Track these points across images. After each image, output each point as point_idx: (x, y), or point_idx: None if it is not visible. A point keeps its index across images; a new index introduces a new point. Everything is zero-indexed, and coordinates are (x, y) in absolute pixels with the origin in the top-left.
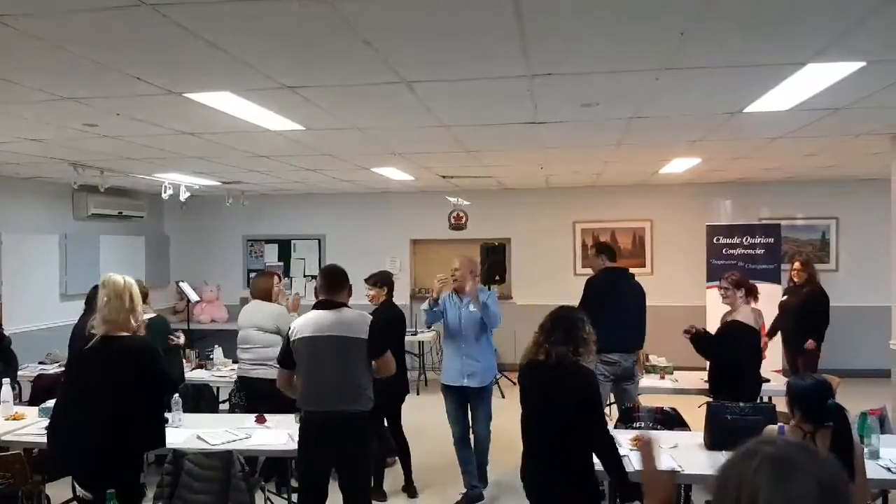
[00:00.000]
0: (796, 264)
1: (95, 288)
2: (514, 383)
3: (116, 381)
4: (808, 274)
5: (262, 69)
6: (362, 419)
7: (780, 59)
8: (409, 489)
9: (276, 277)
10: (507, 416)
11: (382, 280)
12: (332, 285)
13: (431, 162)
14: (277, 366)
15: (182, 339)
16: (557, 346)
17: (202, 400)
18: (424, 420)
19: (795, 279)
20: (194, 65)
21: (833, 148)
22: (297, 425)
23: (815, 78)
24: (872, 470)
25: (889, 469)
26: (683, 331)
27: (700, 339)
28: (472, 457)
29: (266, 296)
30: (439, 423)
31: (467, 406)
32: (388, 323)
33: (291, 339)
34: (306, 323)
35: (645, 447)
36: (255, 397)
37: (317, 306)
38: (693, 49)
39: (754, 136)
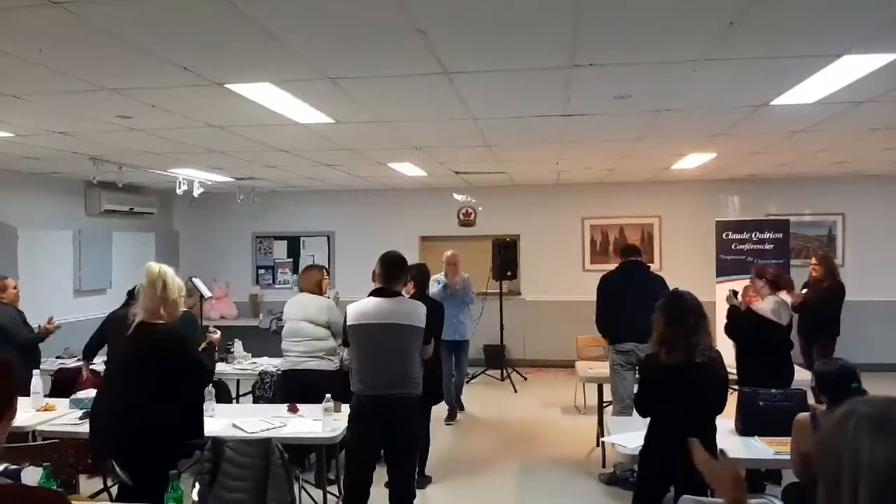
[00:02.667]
0: (813, 260)
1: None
2: (525, 378)
3: (147, 367)
4: (826, 269)
5: (311, 59)
6: (413, 402)
7: (818, 50)
8: (420, 479)
9: (325, 271)
10: (519, 408)
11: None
12: (391, 274)
13: (449, 157)
14: (329, 358)
15: (218, 335)
16: (700, 344)
17: (219, 394)
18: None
19: (814, 274)
20: (244, 54)
21: (848, 143)
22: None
23: (848, 70)
24: None
25: None
26: (727, 297)
27: (733, 315)
28: (453, 390)
29: (317, 289)
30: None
31: (453, 355)
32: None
33: (348, 324)
34: (364, 309)
35: (694, 448)
36: (304, 388)
37: (374, 293)
38: (736, 40)
39: (775, 131)
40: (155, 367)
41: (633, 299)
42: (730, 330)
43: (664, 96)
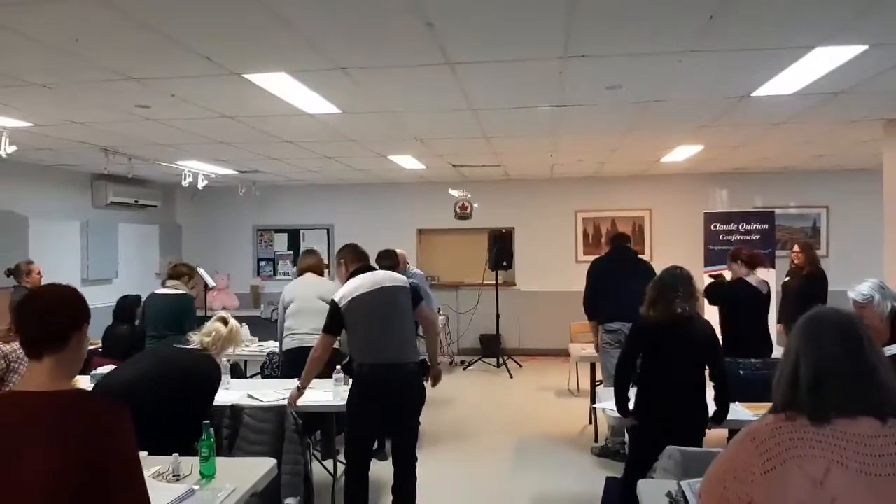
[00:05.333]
0: (795, 247)
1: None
2: (520, 366)
3: (177, 375)
4: (808, 257)
5: (325, 49)
6: (414, 368)
7: (791, 42)
8: None
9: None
10: (514, 392)
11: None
12: (364, 257)
13: (448, 148)
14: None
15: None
16: (688, 308)
17: (233, 374)
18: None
19: (796, 261)
20: (261, 44)
21: (828, 135)
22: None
23: (820, 61)
24: None
25: None
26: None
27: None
28: None
29: (319, 272)
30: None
31: None
32: None
33: (342, 305)
34: (356, 285)
35: None
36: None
37: (356, 272)
38: (716, 32)
39: (758, 122)
40: (185, 378)
41: (621, 282)
42: (712, 294)
43: (653, 87)
